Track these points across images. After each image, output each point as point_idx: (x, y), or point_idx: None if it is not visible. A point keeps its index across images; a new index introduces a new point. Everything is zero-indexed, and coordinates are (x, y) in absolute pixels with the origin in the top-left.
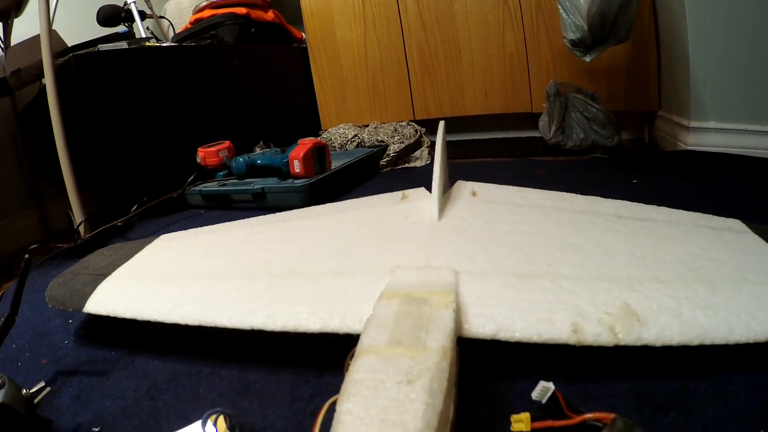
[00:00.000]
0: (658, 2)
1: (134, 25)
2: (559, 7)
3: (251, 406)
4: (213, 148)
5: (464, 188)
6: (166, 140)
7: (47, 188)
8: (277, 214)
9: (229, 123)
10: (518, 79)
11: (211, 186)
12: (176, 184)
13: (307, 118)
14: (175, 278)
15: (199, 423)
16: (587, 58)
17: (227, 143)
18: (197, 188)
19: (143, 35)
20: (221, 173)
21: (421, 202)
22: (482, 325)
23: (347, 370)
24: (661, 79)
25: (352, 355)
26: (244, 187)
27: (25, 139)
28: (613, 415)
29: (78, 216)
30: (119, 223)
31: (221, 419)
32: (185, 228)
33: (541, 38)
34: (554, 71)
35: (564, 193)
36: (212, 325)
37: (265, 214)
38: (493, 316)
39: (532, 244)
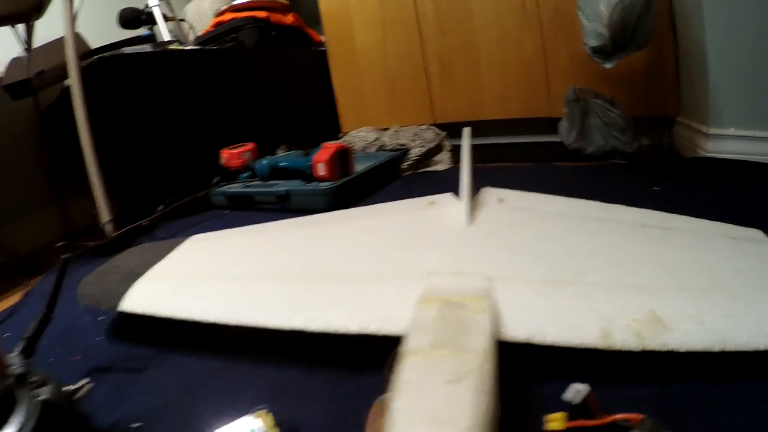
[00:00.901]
0: (676, 8)
1: (156, 28)
2: (580, 14)
3: (290, 404)
4: (236, 150)
5: (491, 195)
6: (188, 142)
7: (68, 187)
8: (306, 217)
9: (250, 125)
10: (536, 83)
11: (234, 187)
12: (197, 186)
13: (326, 121)
14: (211, 278)
15: (245, 418)
16: (608, 65)
17: (250, 145)
18: (221, 189)
19: (166, 38)
20: (244, 175)
21: (449, 207)
22: (516, 329)
23: (388, 370)
24: (679, 85)
25: (393, 357)
26: (268, 189)
27: (47, 139)
28: (641, 416)
29: (104, 215)
30: (144, 223)
31: (268, 416)
32: (209, 228)
33: (559, 43)
34: (572, 76)
35: (588, 201)
36: (252, 325)
37: (288, 216)
38: (526, 321)
39: (560, 251)
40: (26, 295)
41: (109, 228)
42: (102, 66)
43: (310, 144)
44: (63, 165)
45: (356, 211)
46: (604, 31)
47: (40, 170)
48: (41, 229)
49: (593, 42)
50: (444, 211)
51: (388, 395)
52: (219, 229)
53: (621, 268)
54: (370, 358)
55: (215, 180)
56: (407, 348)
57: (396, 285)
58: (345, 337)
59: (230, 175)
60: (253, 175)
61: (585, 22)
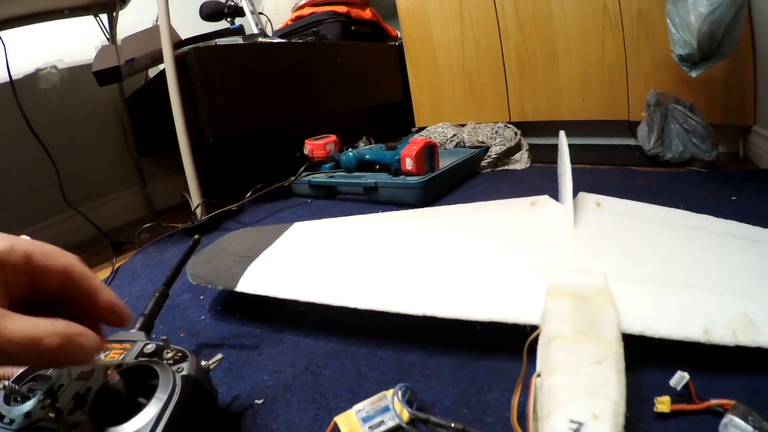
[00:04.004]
0: (756, 16)
1: (244, 21)
2: (668, 21)
3: (416, 385)
4: (321, 142)
5: (588, 199)
6: (272, 132)
7: (150, 169)
8: (407, 211)
9: (331, 118)
10: (617, 86)
11: (320, 177)
12: (277, 174)
13: (399, 116)
14: (330, 264)
15: (386, 392)
16: (693, 74)
17: (333, 137)
18: (305, 179)
19: (254, 31)
20: (327, 165)
21: (550, 209)
22: (632, 323)
23: (527, 354)
24: (756, 93)
25: (530, 342)
26: (355, 180)
27: (133, 123)
28: (734, 402)
29: (195, 198)
30: (234, 208)
31: (400, 393)
32: (295, 214)
33: (641, 46)
34: (652, 80)
35: (677, 209)
36: (383, 309)
37: (372, 208)
38: (641, 316)
39: (661, 255)
40: (115, 271)
41: (199, 211)
42: (197, 56)
43: (386, 137)
44: (146, 148)
45: (457, 207)
46: (693, 41)
47: (125, 152)
48: (125, 208)
49: (681, 50)
50: (547, 212)
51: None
52: (304, 216)
53: (716, 273)
54: (486, 346)
55: (302, 169)
56: (550, 334)
57: (522, 278)
58: (458, 327)
59: (313, 165)
60: (336, 166)
61: (673, 30)
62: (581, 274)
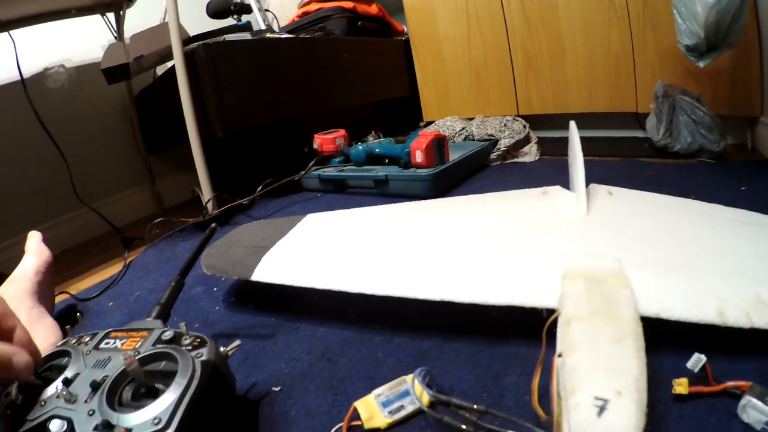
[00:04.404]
0: (762, 7)
1: (252, 17)
2: (675, 12)
3: (433, 370)
4: (330, 136)
5: (600, 189)
6: (281, 127)
7: (159, 166)
8: (418, 202)
9: (339, 113)
10: (623, 78)
11: (330, 171)
12: (286, 169)
13: (407, 110)
14: (345, 252)
15: (405, 377)
16: (701, 64)
17: (342, 131)
18: (315, 173)
19: (262, 27)
20: (337, 159)
21: (562, 197)
22: (647, 305)
23: (546, 335)
24: (763, 84)
25: (549, 324)
26: (365, 174)
27: (141, 121)
28: (750, 383)
29: (206, 193)
30: (245, 202)
31: (420, 377)
32: (306, 208)
33: (647, 37)
34: (659, 71)
35: (686, 199)
36: (399, 295)
37: (382, 201)
38: (656, 299)
39: (673, 240)
40: (127, 266)
41: (210, 206)
42: (206, 52)
43: (394, 132)
44: (154, 145)
45: (469, 198)
46: (699, 31)
47: (134, 149)
48: (135, 205)
49: (687, 41)
50: (559, 200)
51: (559, 353)
52: (315, 209)
53: (726, 258)
54: (501, 331)
55: (312, 164)
56: (568, 315)
57: (536, 263)
58: (473, 312)
59: (323, 159)
60: (346, 160)
61: (680, 20)
62: (596, 258)
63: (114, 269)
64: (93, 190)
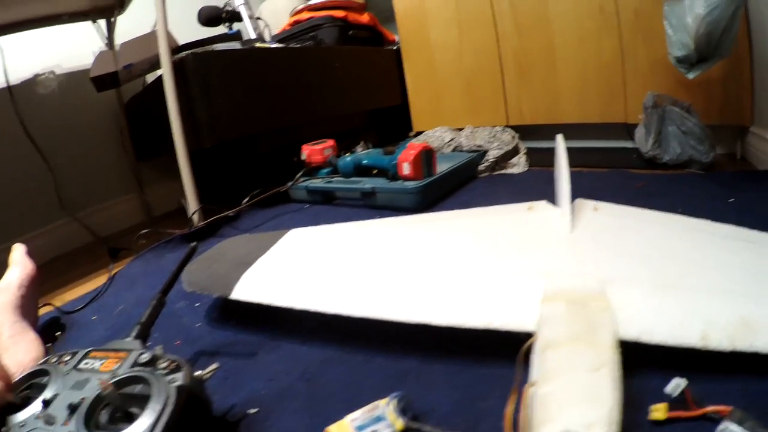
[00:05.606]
0: (753, 16)
1: (242, 26)
2: (666, 23)
3: (413, 392)
4: (318, 147)
5: (585, 204)
6: (270, 136)
7: (148, 175)
8: (404, 216)
9: (328, 122)
10: (614, 88)
11: (317, 182)
12: (275, 179)
13: (397, 120)
14: (324, 271)
15: (380, 402)
16: (691, 75)
17: (331, 142)
18: (303, 184)
19: (252, 36)
20: (324, 170)
21: (548, 213)
22: (627, 328)
23: (521, 361)
24: (754, 93)
25: (527, 348)
26: (352, 186)
27: (131, 129)
28: (730, 408)
29: (192, 204)
30: (231, 214)
31: (399, 402)
32: (293, 220)
33: (638, 48)
34: (650, 81)
35: (672, 214)
36: (373, 318)
37: (369, 213)
38: (636, 321)
39: (659, 257)
40: (111, 278)
41: (196, 217)
42: (195, 61)
43: (385, 142)
44: (143, 153)
45: (454, 213)
46: (690, 43)
47: (122, 158)
48: (122, 214)
49: (678, 52)
50: (544, 216)
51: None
52: (302, 221)
53: (714, 275)
54: (483, 350)
55: (299, 175)
56: (546, 340)
57: (516, 284)
58: (455, 332)
59: (311, 170)
60: (334, 171)
61: (670, 32)
62: (577, 278)
63: (100, 280)
64: (82, 199)
